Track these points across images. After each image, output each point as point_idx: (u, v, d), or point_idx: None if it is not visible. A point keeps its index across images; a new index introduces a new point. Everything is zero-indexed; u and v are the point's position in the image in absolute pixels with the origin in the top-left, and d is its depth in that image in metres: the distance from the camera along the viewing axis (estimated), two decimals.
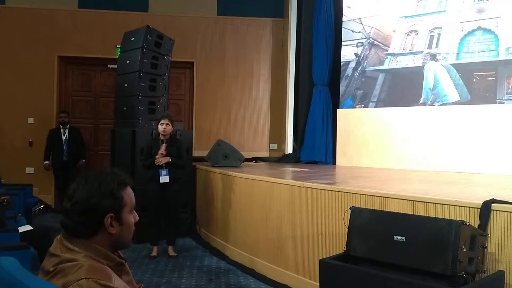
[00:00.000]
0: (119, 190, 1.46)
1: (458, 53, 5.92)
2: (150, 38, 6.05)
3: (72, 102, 7.97)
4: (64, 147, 7.25)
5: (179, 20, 7.81)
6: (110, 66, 7.63)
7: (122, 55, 6.33)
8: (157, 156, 4.95)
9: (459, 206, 2.87)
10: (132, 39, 6.15)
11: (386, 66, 6.68)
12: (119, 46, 6.61)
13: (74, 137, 7.34)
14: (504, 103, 5.46)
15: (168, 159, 4.98)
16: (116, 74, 6.47)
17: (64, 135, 7.28)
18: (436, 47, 6.14)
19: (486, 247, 2.69)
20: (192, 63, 8.03)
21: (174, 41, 6.47)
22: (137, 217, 1.54)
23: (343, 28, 7.18)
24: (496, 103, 5.52)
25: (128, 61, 6.12)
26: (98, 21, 7.72)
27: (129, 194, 1.50)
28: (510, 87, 5.45)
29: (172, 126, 5.14)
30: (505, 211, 2.69)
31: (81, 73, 7.98)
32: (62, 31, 7.64)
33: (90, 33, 7.67)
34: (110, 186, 1.44)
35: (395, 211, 3.16)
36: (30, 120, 7.62)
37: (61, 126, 7.30)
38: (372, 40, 6.87)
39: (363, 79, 6.93)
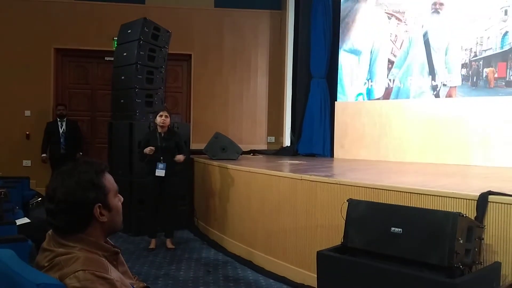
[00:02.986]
0: (99, 178, 1.45)
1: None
2: (147, 30, 6.02)
3: (69, 94, 7.94)
4: (62, 139, 7.24)
5: (176, 12, 7.77)
6: (107, 58, 7.59)
7: (119, 48, 6.30)
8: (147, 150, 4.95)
9: (456, 198, 2.88)
10: (129, 31, 6.12)
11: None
12: (116, 38, 6.57)
13: (71, 129, 7.33)
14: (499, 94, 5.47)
15: (183, 158, 5.07)
16: (113, 67, 6.44)
17: (61, 127, 7.27)
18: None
19: (482, 239, 2.71)
20: (190, 56, 8.00)
21: (171, 33, 6.44)
22: (122, 199, 1.54)
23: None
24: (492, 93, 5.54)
25: (125, 54, 6.09)
26: (95, 13, 7.67)
27: (109, 180, 1.49)
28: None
29: (169, 119, 5.13)
30: (501, 203, 2.70)
31: (78, 66, 7.95)
32: (59, 23, 7.59)
33: (86, 25, 7.63)
34: (89, 176, 1.42)
35: (392, 203, 3.17)
36: (27, 113, 7.60)
37: (58, 119, 7.28)
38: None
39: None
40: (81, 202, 1.40)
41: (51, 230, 1.44)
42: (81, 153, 7.42)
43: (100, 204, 1.43)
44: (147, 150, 4.92)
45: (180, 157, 5.05)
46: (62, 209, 1.38)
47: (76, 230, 1.40)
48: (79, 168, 1.44)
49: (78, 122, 7.60)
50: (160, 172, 4.97)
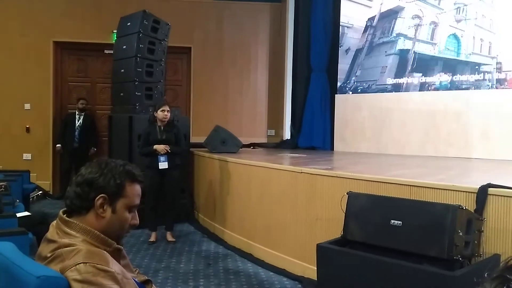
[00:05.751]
0: (123, 177, 1.46)
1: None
2: (146, 23, 5.98)
3: (69, 88, 7.92)
4: (76, 133, 7.27)
5: (176, 5, 7.72)
6: (106, 51, 7.57)
7: (119, 40, 6.27)
8: (155, 147, 4.95)
9: (456, 190, 2.89)
10: (128, 24, 6.09)
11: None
12: (115, 31, 6.54)
13: (88, 124, 7.36)
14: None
15: (167, 147, 4.97)
16: (113, 60, 6.42)
17: (78, 121, 7.30)
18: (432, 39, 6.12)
19: (482, 231, 2.72)
20: (189, 49, 7.96)
21: (171, 26, 6.40)
22: (137, 221, 1.52)
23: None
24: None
25: (124, 47, 6.06)
26: (94, 6, 7.62)
27: (133, 190, 1.49)
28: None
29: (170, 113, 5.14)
30: (501, 196, 2.71)
31: (78, 59, 7.91)
32: (58, 16, 7.55)
33: (86, 18, 7.58)
34: (116, 170, 1.46)
35: (392, 195, 3.17)
36: (27, 106, 7.58)
37: (76, 112, 7.32)
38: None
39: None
40: (91, 182, 1.43)
41: (55, 221, 1.45)
42: (95, 149, 7.42)
43: (105, 196, 1.43)
44: (161, 148, 4.92)
45: (159, 147, 4.98)
46: (77, 181, 1.44)
47: (77, 209, 1.43)
48: (118, 162, 1.50)
49: (95, 117, 7.64)
50: (163, 165, 4.97)
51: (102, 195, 1.43)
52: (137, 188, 1.51)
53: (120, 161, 1.51)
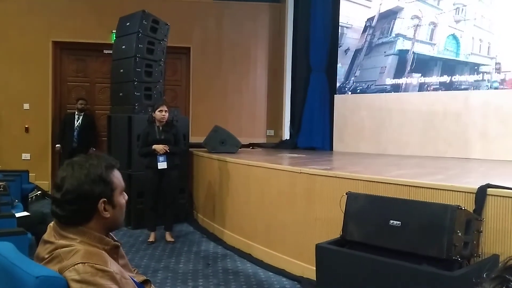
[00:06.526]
0: (108, 174, 1.46)
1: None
2: (145, 23, 5.98)
3: (68, 88, 7.91)
4: (75, 133, 7.27)
5: (175, 5, 7.72)
6: (105, 51, 7.57)
7: (118, 40, 6.27)
8: (154, 147, 4.96)
9: (455, 191, 2.89)
10: (128, 24, 6.08)
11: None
12: (114, 31, 6.54)
13: (87, 124, 7.35)
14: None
15: (166, 147, 4.97)
16: (112, 60, 6.42)
17: (77, 121, 7.29)
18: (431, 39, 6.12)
19: (481, 231, 2.72)
20: (189, 49, 7.96)
21: (170, 26, 6.40)
22: (127, 197, 1.55)
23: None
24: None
25: (123, 47, 6.06)
26: (93, 6, 7.62)
27: (117, 176, 1.50)
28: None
29: (168, 113, 5.13)
30: (500, 196, 2.71)
31: (77, 59, 7.90)
32: (57, 16, 7.54)
33: (85, 18, 7.58)
34: (99, 171, 1.44)
35: (391, 196, 3.17)
36: (26, 106, 7.57)
37: (76, 113, 7.31)
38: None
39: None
40: (87, 195, 1.41)
41: (53, 222, 1.45)
42: (93, 149, 7.42)
43: (105, 199, 1.43)
44: (160, 148, 4.92)
45: (158, 147, 4.98)
46: (68, 199, 1.39)
47: (79, 222, 1.41)
48: (90, 161, 1.46)
49: (94, 118, 7.63)
50: (162, 165, 4.97)
51: (102, 200, 1.43)
52: (118, 172, 1.52)
53: (94, 159, 1.47)
